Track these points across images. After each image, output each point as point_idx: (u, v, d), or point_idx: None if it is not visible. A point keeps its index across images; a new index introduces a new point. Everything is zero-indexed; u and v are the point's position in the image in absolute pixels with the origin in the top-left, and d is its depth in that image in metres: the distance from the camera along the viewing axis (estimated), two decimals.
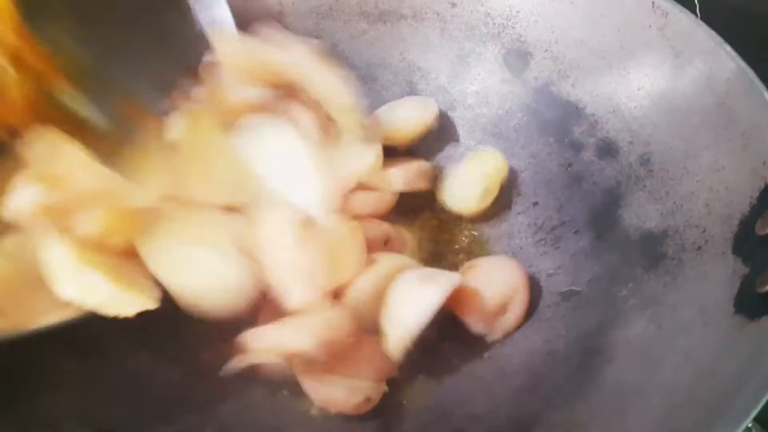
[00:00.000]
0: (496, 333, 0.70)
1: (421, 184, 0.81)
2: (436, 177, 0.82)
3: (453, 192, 0.83)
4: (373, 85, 0.93)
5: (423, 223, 0.83)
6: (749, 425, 0.79)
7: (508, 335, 0.70)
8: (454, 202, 0.83)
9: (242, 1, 0.87)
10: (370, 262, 0.67)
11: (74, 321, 0.54)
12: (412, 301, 0.61)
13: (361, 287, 0.65)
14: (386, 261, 0.67)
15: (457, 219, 0.83)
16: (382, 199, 0.78)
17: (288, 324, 0.60)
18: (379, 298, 0.65)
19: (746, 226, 0.58)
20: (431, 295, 0.60)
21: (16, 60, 0.50)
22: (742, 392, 0.44)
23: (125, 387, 0.63)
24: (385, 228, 0.76)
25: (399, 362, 0.65)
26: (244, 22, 0.88)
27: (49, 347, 0.61)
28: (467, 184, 0.82)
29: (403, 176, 0.79)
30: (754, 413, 0.42)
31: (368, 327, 0.66)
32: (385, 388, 0.64)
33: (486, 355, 0.69)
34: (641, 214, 0.71)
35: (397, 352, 0.61)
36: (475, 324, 0.69)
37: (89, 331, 0.58)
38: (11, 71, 0.50)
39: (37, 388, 0.57)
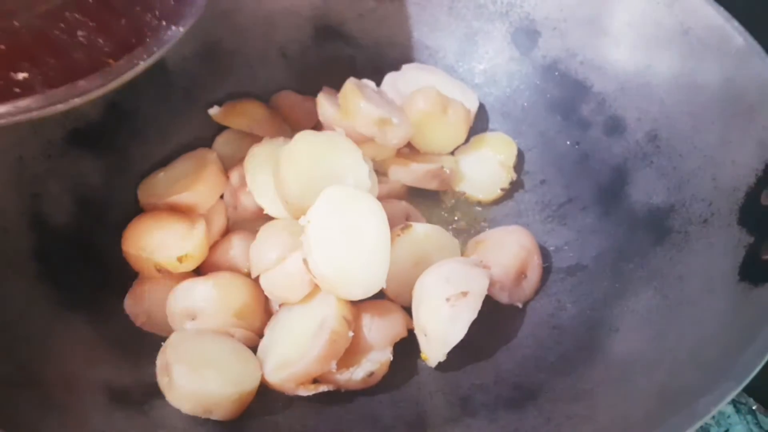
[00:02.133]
0: (521, 299, 0.71)
1: (431, 185, 0.82)
2: (445, 178, 0.82)
3: (475, 184, 0.84)
4: (381, 63, 0.93)
5: (435, 202, 0.84)
6: (753, 407, 0.80)
7: (531, 299, 0.72)
8: (475, 192, 0.84)
9: None
10: (405, 227, 0.70)
11: None
12: (448, 320, 0.61)
13: (399, 251, 0.67)
14: (420, 227, 0.71)
15: (466, 197, 0.85)
16: (393, 187, 0.82)
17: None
18: (413, 263, 0.69)
19: (752, 197, 0.59)
20: (465, 317, 0.60)
21: None
22: (745, 352, 0.45)
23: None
24: (404, 206, 0.79)
25: (407, 324, 0.66)
26: (253, 1, 0.90)
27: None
28: (488, 175, 0.83)
29: (412, 177, 0.82)
30: (756, 371, 0.43)
31: (399, 296, 0.69)
32: (390, 356, 0.65)
33: (491, 328, 0.70)
34: (648, 189, 0.71)
35: (434, 364, 0.64)
36: (499, 295, 0.70)
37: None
38: None
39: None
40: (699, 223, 0.63)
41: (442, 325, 0.60)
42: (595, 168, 0.78)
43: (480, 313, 0.62)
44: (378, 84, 0.88)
